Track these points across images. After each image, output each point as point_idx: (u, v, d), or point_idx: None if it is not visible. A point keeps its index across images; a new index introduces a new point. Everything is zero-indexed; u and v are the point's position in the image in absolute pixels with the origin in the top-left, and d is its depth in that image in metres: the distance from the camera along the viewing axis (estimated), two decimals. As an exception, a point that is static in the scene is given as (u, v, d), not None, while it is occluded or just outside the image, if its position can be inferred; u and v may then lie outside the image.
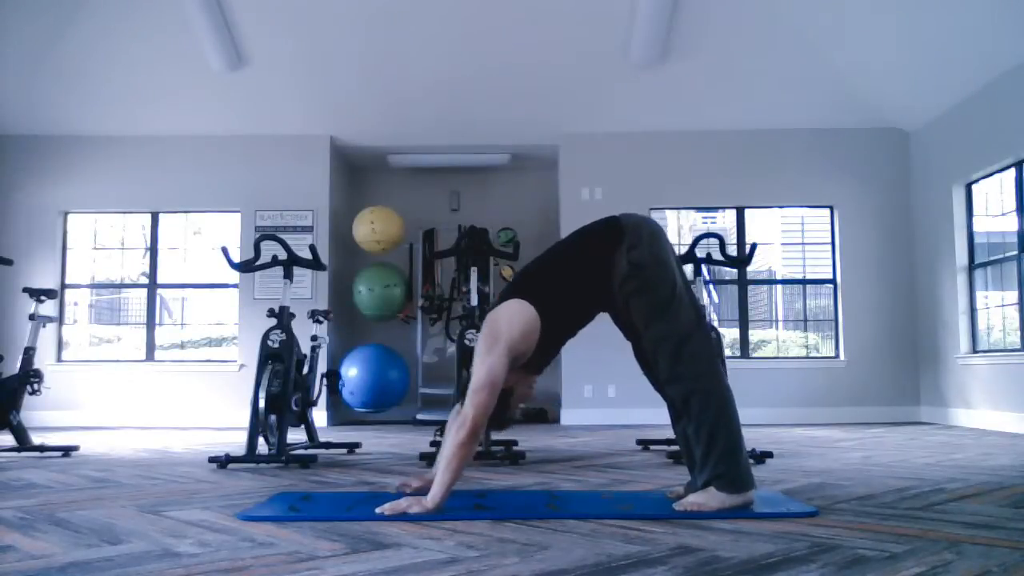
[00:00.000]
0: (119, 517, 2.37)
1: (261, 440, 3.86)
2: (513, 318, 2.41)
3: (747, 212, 7.54)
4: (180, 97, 7.04)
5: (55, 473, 3.54)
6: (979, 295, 6.42)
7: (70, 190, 7.37)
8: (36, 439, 4.59)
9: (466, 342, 4.00)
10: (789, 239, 8.29)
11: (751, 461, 2.78)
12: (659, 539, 1.98)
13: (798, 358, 7.72)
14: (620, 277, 2.45)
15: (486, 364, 2.34)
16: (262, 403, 3.81)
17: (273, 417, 3.87)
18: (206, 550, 1.89)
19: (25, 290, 4.75)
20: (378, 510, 2.28)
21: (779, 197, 7.48)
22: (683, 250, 4.61)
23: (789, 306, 8.90)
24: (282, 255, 4.20)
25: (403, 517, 2.23)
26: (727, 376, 2.56)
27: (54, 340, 7.24)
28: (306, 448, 4.29)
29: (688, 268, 4.26)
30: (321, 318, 4.96)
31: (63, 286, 7.41)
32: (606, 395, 7.12)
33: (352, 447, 4.53)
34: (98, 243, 7.80)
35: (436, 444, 4.07)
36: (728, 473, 2.34)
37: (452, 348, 6.50)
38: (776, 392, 6.97)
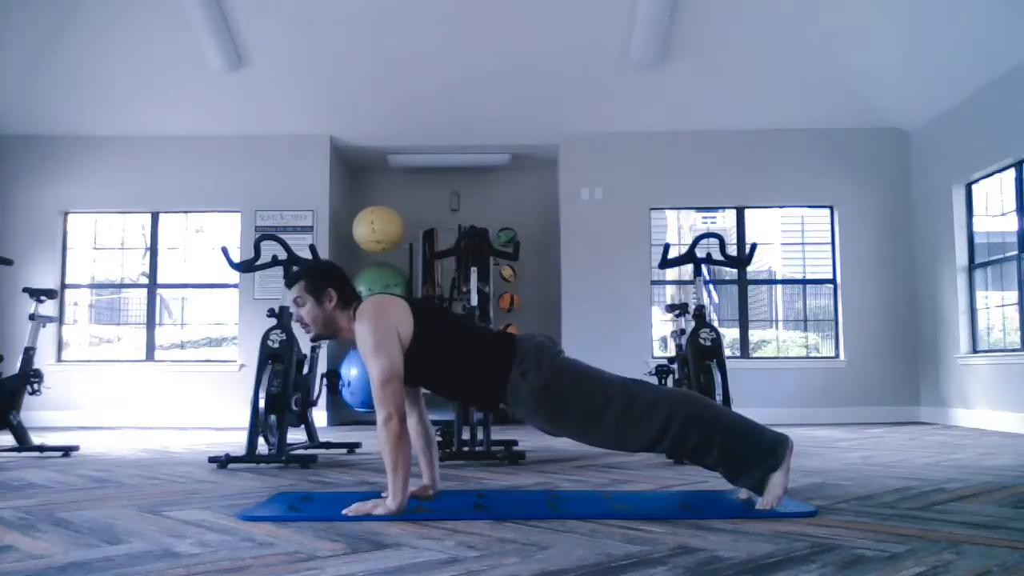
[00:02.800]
0: (119, 517, 2.37)
1: (261, 440, 3.86)
2: (400, 319, 2.43)
3: (747, 212, 7.53)
4: (180, 97, 7.04)
5: (55, 473, 3.54)
6: (979, 295, 6.42)
7: (70, 190, 7.37)
8: (36, 439, 4.59)
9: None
10: (789, 239, 8.29)
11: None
12: (659, 539, 1.98)
13: (798, 358, 7.71)
14: (528, 404, 2.43)
15: (383, 356, 2.35)
16: (262, 403, 3.81)
17: (273, 417, 3.87)
18: (206, 550, 1.90)
19: (25, 290, 4.75)
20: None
21: (779, 197, 7.48)
22: (683, 250, 4.62)
23: (789, 306, 8.90)
24: (282, 255, 4.21)
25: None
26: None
27: (54, 340, 7.23)
28: (306, 448, 4.29)
29: (688, 268, 4.26)
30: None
31: (63, 286, 7.40)
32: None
33: (352, 447, 4.53)
34: (98, 243, 7.80)
35: (439, 444, 4.06)
36: (759, 461, 2.36)
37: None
38: (776, 392, 6.96)
